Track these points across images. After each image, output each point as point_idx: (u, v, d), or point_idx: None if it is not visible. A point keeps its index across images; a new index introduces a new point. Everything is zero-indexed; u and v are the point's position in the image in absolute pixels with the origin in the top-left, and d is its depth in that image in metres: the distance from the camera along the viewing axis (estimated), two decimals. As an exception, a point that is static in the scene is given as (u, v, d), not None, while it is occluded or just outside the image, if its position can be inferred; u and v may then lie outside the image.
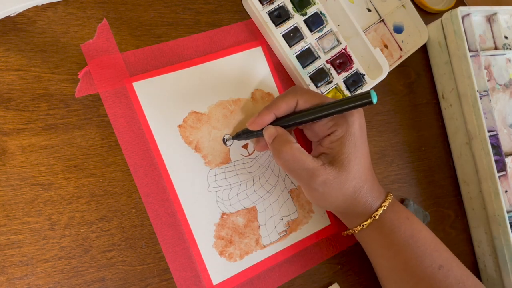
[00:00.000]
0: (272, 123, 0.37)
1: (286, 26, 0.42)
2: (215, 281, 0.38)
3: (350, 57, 0.44)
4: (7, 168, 0.33)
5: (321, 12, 0.44)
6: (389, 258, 0.38)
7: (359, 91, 0.44)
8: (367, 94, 0.33)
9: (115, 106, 0.37)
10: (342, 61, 0.44)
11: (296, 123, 0.37)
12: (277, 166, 0.42)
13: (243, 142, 0.41)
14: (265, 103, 0.43)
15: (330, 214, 0.44)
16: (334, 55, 0.44)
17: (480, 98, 0.47)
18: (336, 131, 0.36)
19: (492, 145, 0.46)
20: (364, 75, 0.45)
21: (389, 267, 0.38)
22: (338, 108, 0.35)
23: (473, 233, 0.51)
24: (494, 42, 0.52)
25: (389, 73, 0.47)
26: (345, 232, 0.41)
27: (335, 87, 0.44)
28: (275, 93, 0.43)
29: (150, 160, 0.37)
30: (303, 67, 0.43)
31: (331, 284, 0.43)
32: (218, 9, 0.42)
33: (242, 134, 0.39)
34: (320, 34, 0.44)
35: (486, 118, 0.47)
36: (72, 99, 0.36)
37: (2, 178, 0.33)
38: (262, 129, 0.37)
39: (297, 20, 0.43)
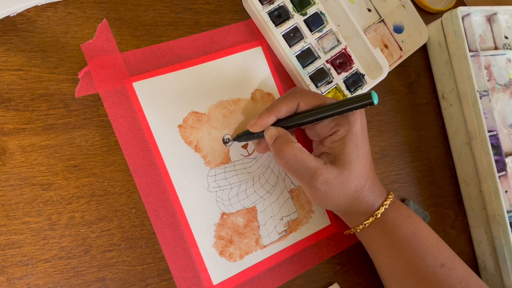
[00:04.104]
0: (273, 125, 0.37)
1: (286, 26, 0.42)
2: (215, 281, 0.38)
3: (350, 57, 0.44)
4: (7, 168, 0.33)
5: (321, 12, 0.44)
6: (391, 257, 0.38)
7: (359, 91, 0.44)
8: (368, 95, 0.33)
9: (115, 106, 0.37)
10: (342, 61, 0.44)
11: (297, 124, 0.37)
12: (277, 166, 0.42)
13: (243, 143, 0.41)
14: (265, 103, 0.43)
15: (330, 214, 0.44)
16: (334, 55, 0.44)
17: (480, 98, 0.47)
18: (338, 131, 0.36)
19: (492, 145, 0.46)
20: (364, 75, 0.45)
21: (391, 266, 0.38)
22: (339, 110, 0.35)
23: (473, 233, 0.51)
24: (494, 42, 0.52)
25: (389, 73, 0.47)
26: (347, 231, 0.41)
27: (335, 87, 0.44)
28: (275, 93, 0.43)
29: (150, 160, 0.37)
30: (303, 67, 0.43)
31: (331, 284, 0.43)
32: (218, 9, 0.42)
33: (243, 135, 0.39)
34: (320, 34, 0.44)
35: (486, 118, 0.47)
36: (72, 99, 0.36)
37: (2, 178, 0.33)
38: (263, 130, 0.37)
39: (297, 20, 0.43)
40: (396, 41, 0.50)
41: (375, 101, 0.33)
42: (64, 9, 0.36)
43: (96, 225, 0.35)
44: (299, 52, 0.43)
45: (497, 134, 0.47)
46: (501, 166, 0.47)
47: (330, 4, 0.45)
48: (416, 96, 0.52)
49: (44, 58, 0.35)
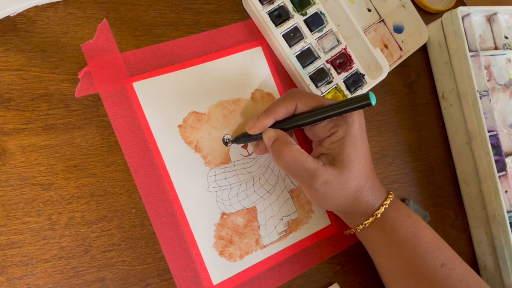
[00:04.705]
0: (271, 127, 0.37)
1: (286, 26, 0.42)
2: (215, 281, 0.38)
3: (350, 57, 0.44)
4: (7, 168, 0.33)
5: (321, 12, 0.44)
6: (391, 257, 0.38)
7: (359, 91, 0.44)
8: (365, 96, 0.33)
9: (115, 106, 0.37)
10: (342, 61, 0.44)
11: (295, 126, 0.37)
12: (277, 166, 0.42)
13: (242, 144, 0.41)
14: (265, 103, 0.43)
15: (330, 214, 0.44)
16: (334, 55, 0.44)
17: (480, 98, 0.47)
18: (337, 132, 0.36)
19: (492, 145, 0.46)
20: (364, 75, 0.45)
21: (391, 266, 0.38)
22: (337, 111, 0.35)
23: (473, 233, 0.51)
24: (494, 42, 0.52)
25: (389, 73, 0.47)
26: (347, 231, 0.41)
27: (335, 87, 0.44)
28: (275, 93, 0.43)
29: (150, 160, 0.37)
30: (303, 67, 0.43)
31: (331, 284, 0.43)
32: (218, 9, 0.42)
33: (241, 137, 0.39)
34: (320, 34, 0.44)
35: (486, 118, 0.47)
36: (72, 99, 0.36)
37: (2, 178, 0.33)
38: (262, 132, 0.37)
39: (297, 20, 0.43)
40: (396, 41, 0.50)
41: (373, 102, 0.33)
42: (64, 9, 0.36)
43: (96, 225, 0.35)
44: (299, 52, 0.43)
45: (497, 134, 0.47)
46: (501, 166, 0.47)
47: (330, 4, 0.45)
48: (416, 96, 0.52)
49: (44, 58, 0.35)
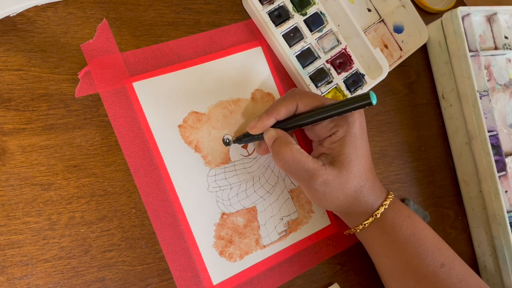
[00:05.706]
0: (273, 126, 0.37)
1: (286, 26, 0.42)
2: (215, 281, 0.38)
3: (350, 57, 0.44)
4: (7, 168, 0.33)
5: (321, 12, 0.44)
6: (391, 257, 0.38)
7: (359, 91, 0.44)
8: (366, 95, 0.33)
9: (115, 106, 0.37)
10: (342, 61, 0.44)
11: (297, 125, 0.37)
12: (277, 166, 0.42)
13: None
14: (265, 103, 0.43)
15: (330, 214, 0.44)
16: (334, 55, 0.44)
17: (480, 98, 0.47)
18: (337, 132, 0.36)
19: (492, 145, 0.46)
20: (364, 75, 0.45)
21: (391, 266, 0.38)
22: (337, 110, 0.35)
23: (473, 233, 0.51)
24: (494, 42, 0.52)
25: (389, 73, 0.47)
26: (346, 231, 0.41)
27: (335, 87, 0.44)
28: (275, 93, 0.43)
29: (150, 160, 0.37)
30: (303, 67, 0.43)
31: (331, 284, 0.43)
32: (218, 9, 0.42)
33: (243, 138, 0.39)
34: (320, 34, 0.44)
35: (486, 118, 0.47)
36: (72, 99, 0.36)
37: (2, 178, 0.33)
38: (263, 132, 0.37)
39: (297, 20, 0.43)
40: (396, 41, 0.50)
41: (374, 102, 0.33)
42: (64, 9, 0.36)
43: (96, 225, 0.35)
44: (299, 52, 0.43)
45: (497, 134, 0.47)
46: (501, 166, 0.47)
47: (330, 4, 0.45)
48: (416, 96, 0.52)
49: (44, 58, 0.35)
